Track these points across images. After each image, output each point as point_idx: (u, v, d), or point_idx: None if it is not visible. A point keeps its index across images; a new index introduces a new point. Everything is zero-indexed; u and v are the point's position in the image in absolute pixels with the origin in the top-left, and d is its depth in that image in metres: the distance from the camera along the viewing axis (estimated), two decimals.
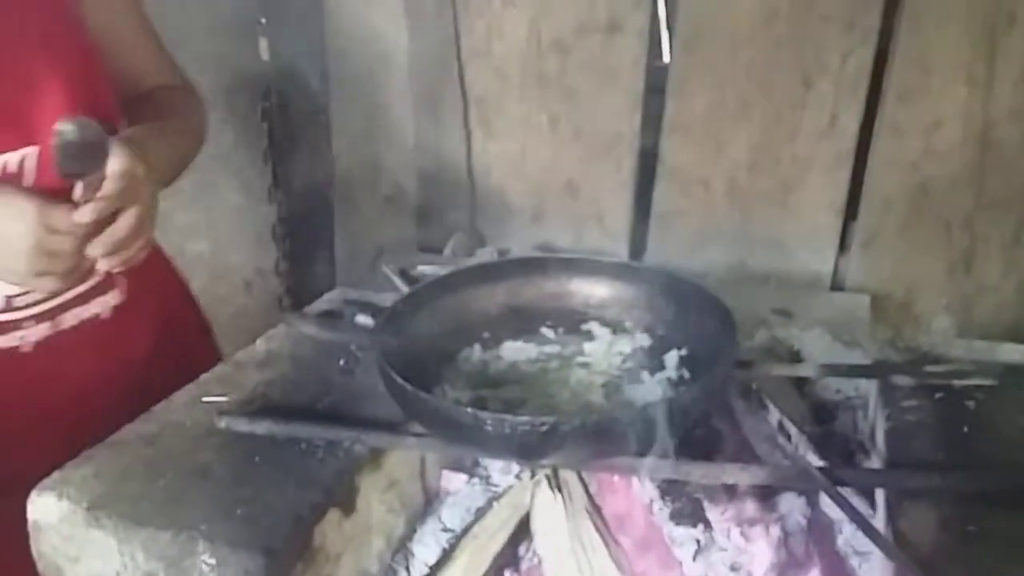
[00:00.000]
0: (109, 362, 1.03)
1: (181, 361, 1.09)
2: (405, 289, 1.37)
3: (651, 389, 0.91)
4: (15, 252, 0.82)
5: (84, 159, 0.84)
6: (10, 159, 0.90)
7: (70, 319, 0.99)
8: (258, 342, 1.10)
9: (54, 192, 0.91)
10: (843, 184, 1.49)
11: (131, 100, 1.07)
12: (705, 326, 0.96)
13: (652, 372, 0.94)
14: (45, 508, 0.83)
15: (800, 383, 1.10)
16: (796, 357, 1.17)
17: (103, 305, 1.02)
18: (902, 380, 0.94)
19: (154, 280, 1.11)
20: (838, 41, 1.41)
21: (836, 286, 1.54)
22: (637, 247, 1.60)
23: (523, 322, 1.04)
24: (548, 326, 1.04)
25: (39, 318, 0.96)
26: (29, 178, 0.92)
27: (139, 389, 1.02)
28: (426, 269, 1.46)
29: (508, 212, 1.62)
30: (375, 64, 1.56)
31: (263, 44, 1.51)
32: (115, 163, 0.86)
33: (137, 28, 1.09)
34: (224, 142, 1.60)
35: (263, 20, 1.50)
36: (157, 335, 1.10)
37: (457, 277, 1.06)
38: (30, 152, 0.91)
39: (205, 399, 0.98)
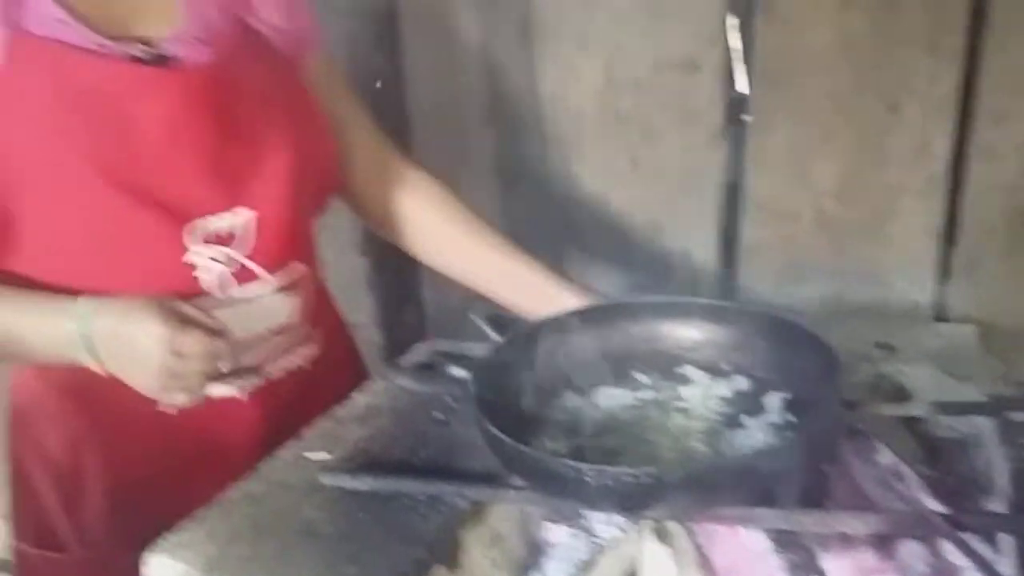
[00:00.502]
0: (306, 412, 1.06)
1: None
2: (495, 337, 1.37)
3: (753, 434, 0.89)
4: (144, 370, 0.85)
5: None
6: (234, 222, 0.95)
7: (278, 370, 1.03)
8: (356, 396, 1.12)
9: (269, 256, 0.98)
10: (938, 209, 1.44)
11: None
12: (806, 365, 0.93)
13: (753, 416, 0.92)
14: (160, 569, 0.86)
15: (910, 422, 1.06)
16: (903, 394, 1.12)
17: (304, 357, 1.06)
18: (1020, 416, 0.89)
19: (334, 329, 1.15)
20: (923, 64, 1.37)
21: (939, 316, 1.49)
22: (727, 284, 1.58)
23: (616, 368, 1.03)
24: (642, 371, 1.03)
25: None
26: (247, 244, 0.97)
27: None
28: (515, 315, 1.47)
29: (593, 254, 1.62)
30: (456, 115, 1.59)
31: None
32: None
33: (343, 95, 1.15)
34: None
35: None
36: (337, 389, 1.13)
37: (548, 325, 1.06)
38: (251, 216, 0.96)
39: (307, 456, 1.00)
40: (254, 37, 1.01)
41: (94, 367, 0.87)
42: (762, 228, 1.52)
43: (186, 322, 0.86)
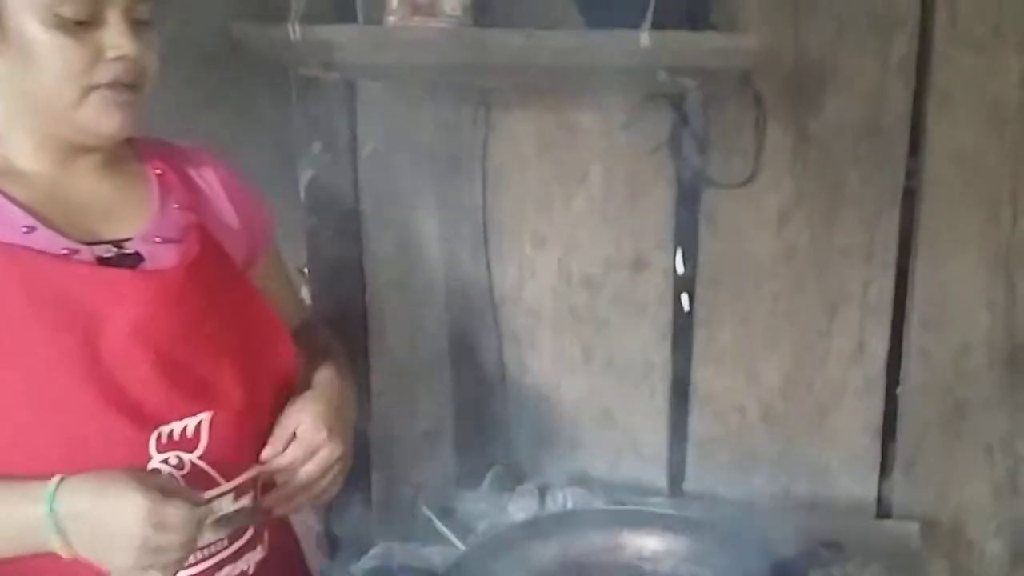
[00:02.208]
0: None
1: None
2: (445, 532, 1.36)
3: None
4: (122, 548, 0.81)
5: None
6: (188, 424, 0.93)
7: None
8: None
9: (222, 457, 0.95)
10: (877, 408, 1.51)
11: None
12: None
13: None
14: None
15: None
16: None
17: (249, 561, 1.01)
18: None
19: (282, 532, 1.10)
20: (858, 271, 1.46)
21: (882, 512, 1.52)
22: (675, 474, 1.59)
23: None
24: None
25: None
26: (203, 442, 0.94)
27: None
28: (467, 507, 1.46)
29: (545, 442, 1.63)
30: (412, 308, 1.61)
31: (305, 291, 1.57)
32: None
33: (286, 280, 1.20)
34: None
35: (306, 270, 1.57)
36: None
37: (508, 535, 1.06)
38: (205, 417, 0.94)
39: None
40: (212, 240, 1.02)
41: (61, 550, 0.82)
42: (711, 421, 1.55)
43: (167, 493, 0.83)
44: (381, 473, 1.70)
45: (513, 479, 1.61)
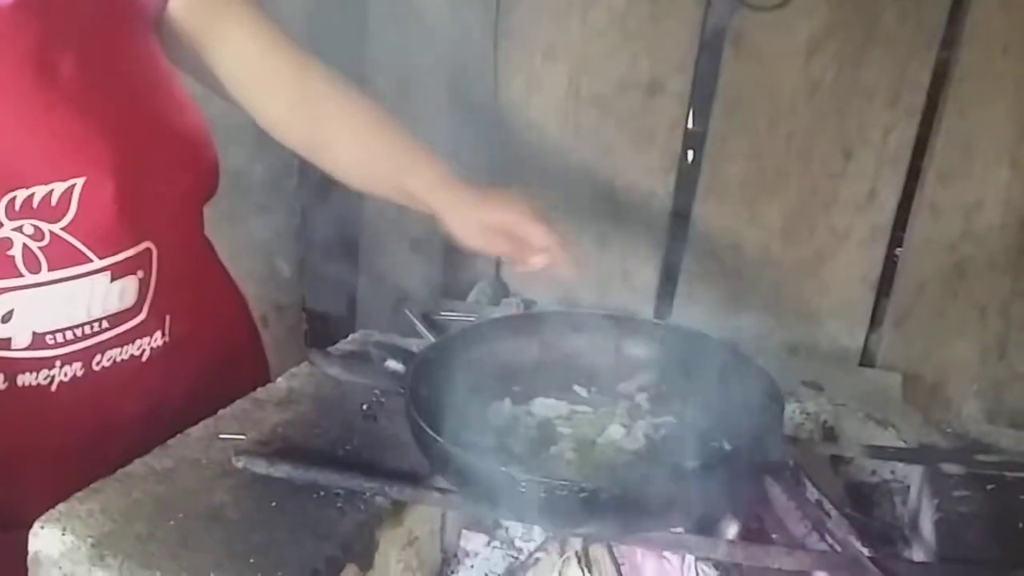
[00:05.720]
0: (144, 402, 0.97)
1: (232, 393, 1.03)
2: (427, 335, 1.34)
3: (692, 460, 0.87)
4: None
5: None
6: (55, 189, 0.83)
7: (104, 360, 0.92)
8: (279, 380, 1.07)
9: (95, 230, 0.86)
10: (878, 259, 1.47)
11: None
12: (747, 397, 0.92)
13: (693, 442, 0.90)
14: (48, 541, 0.79)
15: (836, 462, 1.06)
16: (829, 433, 1.13)
17: (142, 347, 0.95)
18: (951, 468, 0.90)
19: (208, 314, 1.04)
20: (881, 116, 1.40)
21: (865, 362, 1.51)
22: (663, 308, 1.57)
23: (555, 378, 1.00)
24: (581, 384, 1.00)
25: (69, 358, 0.89)
26: (72, 211, 0.84)
27: (180, 427, 0.96)
28: (449, 315, 1.44)
29: None
30: (412, 112, 1.54)
31: None
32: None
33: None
34: (254, 177, 1.57)
35: None
36: (206, 371, 1.03)
37: (490, 327, 1.03)
38: (76, 183, 0.84)
39: (222, 436, 0.94)
40: None
41: None
42: (705, 257, 1.52)
43: None
44: (367, 278, 1.68)
45: (499, 295, 1.59)
